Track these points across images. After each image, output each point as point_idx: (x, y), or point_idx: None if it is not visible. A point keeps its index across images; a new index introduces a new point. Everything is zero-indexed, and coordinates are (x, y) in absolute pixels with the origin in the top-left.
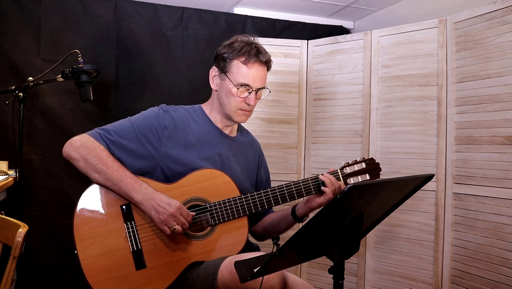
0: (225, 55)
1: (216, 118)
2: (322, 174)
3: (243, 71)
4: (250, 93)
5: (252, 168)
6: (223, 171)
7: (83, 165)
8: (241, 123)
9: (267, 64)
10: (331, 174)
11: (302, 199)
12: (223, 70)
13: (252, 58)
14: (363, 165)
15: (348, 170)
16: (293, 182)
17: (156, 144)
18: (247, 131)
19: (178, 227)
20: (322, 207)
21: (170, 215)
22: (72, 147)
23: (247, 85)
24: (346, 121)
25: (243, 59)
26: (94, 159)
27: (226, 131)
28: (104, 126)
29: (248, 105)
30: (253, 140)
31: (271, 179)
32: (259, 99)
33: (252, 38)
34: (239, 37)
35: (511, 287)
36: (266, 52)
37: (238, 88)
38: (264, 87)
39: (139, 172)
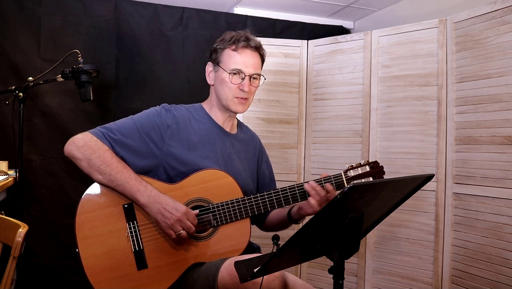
0: (217, 47)
1: (217, 115)
2: (308, 182)
3: (234, 58)
4: (243, 79)
5: (252, 164)
6: (226, 170)
7: (86, 165)
8: (240, 121)
9: (258, 50)
10: (335, 178)
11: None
12: (216, 62)
13: (241, 44)
14: (367, 168)
15: (352, 173)
16: (296, 184)
17: (159, 143)
18: (246, 127)
19: (183, 232)
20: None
21: (177, 220)
22: (75, 145)
23: (239, 70)
24: (346, 121)
25: (233, 47)
26: (98, 159)
27: (227, 128)
28: (106, 125)
29: (243, 91)
30: (253, 136)
31: None
32: (255, 87)
33: (243, 31)
34: (230, 31)
35: (511, 287)
36: (255, 39)
37: (230, 74)
38: (259, 75)
39: (142, 171)
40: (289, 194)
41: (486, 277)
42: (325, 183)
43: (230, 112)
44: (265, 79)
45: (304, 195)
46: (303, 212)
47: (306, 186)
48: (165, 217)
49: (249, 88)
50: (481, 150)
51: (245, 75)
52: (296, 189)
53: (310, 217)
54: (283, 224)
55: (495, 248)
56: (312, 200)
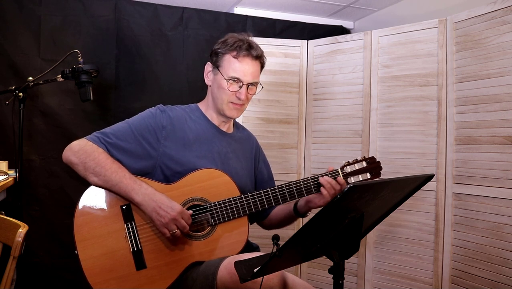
0: (218, 50)
1: (213, 116)
2: (322, 176)
3: (234, 65)
4: (240, 87)
5: (250, 162)
6: (223, 170)
7: (82, 169)
8: (236, 120)
9: (259, 59)
10: (332, 173)
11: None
12: (216, 65)
13: (243, 52)
14: (364, 164)
15: (348, 169)
16: (293, 181)
17: (155, 144)
18: (243, 127)
19: (178, 231)
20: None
21: (172, 219)
22: (72, 151)
23: (238, 79)
24: (346, 121)
25: (234, 53)
26: (93, 162)
27: (224, 128)
28: (102, 130)
29: (239, 99)
30: (250, 135)
31: None
32: (252, 95)
33: (246, 35)
34: (233, 34)
35: (511, 287)
36: (258, 47)
37: (228, 81)
38: (256, 83)
39: (139, 173)
40: (285, 190)
41: (486, 277)
42: (342, 174)
43: (225, 117)
44: (262, 88)
45: (302, 192)
46: (312, 204)
47: (321, 180)
48: (160, 215)
49: (246, 96)
50: (481, 150)
51: (242, 84)
52: (311, 181)
53: (314, 212)
54: (289, 219)
55: (495, 248)
56: (324, 191)
